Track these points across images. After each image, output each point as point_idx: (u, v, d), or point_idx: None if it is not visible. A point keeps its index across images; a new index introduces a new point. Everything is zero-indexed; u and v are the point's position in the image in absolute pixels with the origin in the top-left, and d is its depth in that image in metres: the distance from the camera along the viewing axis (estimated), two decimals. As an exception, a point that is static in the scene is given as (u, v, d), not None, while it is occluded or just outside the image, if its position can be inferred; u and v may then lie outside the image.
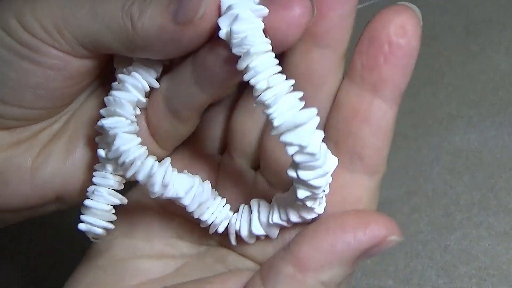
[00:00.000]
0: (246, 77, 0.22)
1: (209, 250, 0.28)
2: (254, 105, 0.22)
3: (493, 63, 0.54)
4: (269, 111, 0.22)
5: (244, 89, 0.26)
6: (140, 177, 0.24)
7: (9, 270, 0.46)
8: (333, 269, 0.23)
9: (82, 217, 0.25)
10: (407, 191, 0.47)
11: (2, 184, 0.26)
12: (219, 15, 0.22)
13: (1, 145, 0.26)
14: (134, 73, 0.25)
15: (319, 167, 0.22)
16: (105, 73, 0.27)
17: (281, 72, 0.22)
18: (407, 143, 0.50)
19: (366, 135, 0.24)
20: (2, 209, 0.27)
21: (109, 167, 0.25)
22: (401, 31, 0.23)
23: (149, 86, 0.25)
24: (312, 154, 0.22)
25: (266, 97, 0.22)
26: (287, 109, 0.22)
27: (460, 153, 0.48)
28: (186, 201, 0.24)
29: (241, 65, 0.22)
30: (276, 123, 0.22)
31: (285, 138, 0.22)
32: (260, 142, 0.26)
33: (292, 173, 0.23)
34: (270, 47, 0.22)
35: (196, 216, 0.25)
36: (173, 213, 0.27)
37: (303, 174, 0.22)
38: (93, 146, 0.26)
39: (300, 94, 0.22)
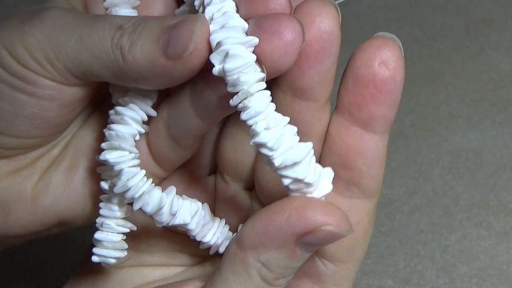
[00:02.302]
0: (243, 117, 0.22)
1: (210, 259, 0.28)
2: (251, 143, 0.22)
3: (493, 63, 0.54)
4: (270, 153, 0.22)
5: (231, 114, 0.26)
6: (149, 209, 0.24)
7: (9, 270, 0.46)
8: (270, 251, 0.23)
9: (95, 250, 0.25)
10: (407, 191, 0.47)
11: (4, 213, 0.26)
12: (210, 50, 0.22)
13: (1, 174, 0.26)
14: (131, 105, 0.25)
15: (313, 191, 0.23)
16: (100, 96, 0.27)
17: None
18: (407, 143, 0.50)
19: (361, 167, 0.24)
20: (4, 236, 0.27)
21: (115, 199, 0.25)
22: (385, 67, 0.23)
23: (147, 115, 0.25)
24: (308, 184, 0.22)
25: (267, 139, 0.22)
26: (286, 149, 0.22)
27: (460, 153, 0.48)
28: (192, 226, 0.25)
29: (235, 102, 0.22)
30: (276, 163, 0.22)
31: (282, 172, 0.22)
32: (254, 169, 0.26)
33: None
34: (265, 84, 0.22)
35: (198, 239, 0.26)
36: (175, 230, 0.27)
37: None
38: (93, 172, 0.26)
39: (295, 129, 0.22)
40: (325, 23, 0.23)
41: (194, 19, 0.22)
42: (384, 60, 0.23)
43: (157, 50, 0.23)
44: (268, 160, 0.22)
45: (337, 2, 0.26)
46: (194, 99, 0.24)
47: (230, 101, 0.22)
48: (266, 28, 0.22)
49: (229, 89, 0.22)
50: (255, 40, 0.22)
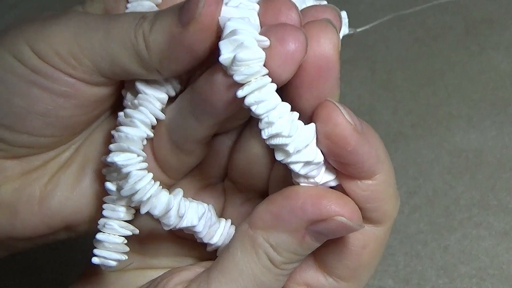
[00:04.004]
0: (259, 111, 0.22)
1: None
2: (266, 136, 0.22)
3: (493, 63, 0.54)
4: (287, 140, 0.22)
5: (245, 126, 0.26)
6: (156, 212, 0.24)
7: (9, 270, 0.46)
8: (280, 234, 0.23)
9: (95, 251, 0.25)
10: (407, 191, 0.47)
11: (12, 215, 0.26)
12: (218, 24, 0.22)
13: (11, 175, 0.26)
14: (141, 108, 0.25)
15: (318, 174, 0.23)
16: (115, 104, 0.27)
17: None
18: (407, 143, 0.50)
19: (359, 204, 0.24)
20: (11, 238, 0.27)
21: (119, 200, 0.25)
22: (331, 142, 0.23)
23: (156, 118, 0.25)
24: (317, 164, 0.23)
25: (281, 128, 0.22)
26: (297, 134, 0.22)
27: (460, 153, 0.48)
28: (199, 228, 0.25)
29: (242, 94, 0.22)
30: (291, 150, 0.22)
31: (294, 159, 0.23)
32: (269, 179, 0.26)
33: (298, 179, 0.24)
34: (270, 79, 0.22)
35: (206, 241, 0.26)
36: (180, 234, 0.27)
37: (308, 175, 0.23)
38: (101, 177, 0.27)
39: (296, 114, 0.23)
40: (322, 48, 0.22)
41: None
42: (329, 135, 0.22)
43: (173, 23, 0.23)
44: (282, 149, 0.22)
45: (359, 30, 0.26)
46: (193, 99, 0.24)
47: (239, 91, 0.22)
48: (272, 34, 0.22)
49: (237, 78, 0.22)
50: (267, 42, 0.22)
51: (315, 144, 0.23)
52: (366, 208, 0.24)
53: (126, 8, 0.26)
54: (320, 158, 0.23)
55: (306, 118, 0.23)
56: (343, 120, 0.22)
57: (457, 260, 0.43)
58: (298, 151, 0.22)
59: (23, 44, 0.24)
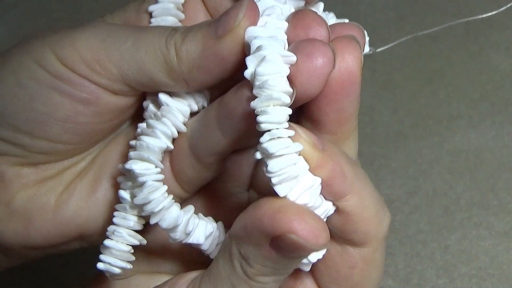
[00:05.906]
0: (259, 119, 0.22)
1: None
2: (257, 156, 0.22)
3: (493, 63, 0.54)
4: (269, 172, 0.22)
5: None
6: (165, 225, 0.24)
7: (9, 270, 0.46)
8: (248, 246, 0.22)
9: (102, 256, 0.26)
10: (407, 191, 0.47)
11: (26, 223, 0.26)
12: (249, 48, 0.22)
13: (27, 183, 0.26)
14: (164, 119, 0.25)
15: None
16: (133, 117, 0.27)
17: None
18: (407, 143, 0.50)
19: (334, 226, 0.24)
20: (24, 246, 0.27)
21: (130, 208, 0.25)
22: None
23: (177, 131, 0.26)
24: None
25: (268, 147, 0.22)
26: (285, 166, 0.22)
27: (460, 153, 0.48)
28: (205, 247, 0.25)
29: (256, 105, 0.22)
30: (274, 182, 0.22)
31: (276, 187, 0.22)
32: None
33: None
34: (288, 99, 0.22)
35: (212, 257, 0.26)
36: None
37: None
38: (116, 187, 0.27)
39: (300, 147, 0.22)
40: (346, 64, 0.23)
41: (241, 1, 0.23)
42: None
43: (208, 34, 0.23)
44: (268, 177, 0.22)
45: (379, 50, 0.27)
46: (219, 110, 0.24)
47: (252, 102, 0.22)
48: (300, 49, 0.22)
49: (254, 91, 0.22)
50: (293, 57, 0.22)
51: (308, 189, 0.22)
52: (343, 230, 0.24)
53: (150, 23, 0.27)
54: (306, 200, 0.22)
55: (324, 130, 0.24)
56: (299, 139, 0.22)
57: (457, 260, 0.43)
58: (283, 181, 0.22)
59: (47, 50, 0.24)
